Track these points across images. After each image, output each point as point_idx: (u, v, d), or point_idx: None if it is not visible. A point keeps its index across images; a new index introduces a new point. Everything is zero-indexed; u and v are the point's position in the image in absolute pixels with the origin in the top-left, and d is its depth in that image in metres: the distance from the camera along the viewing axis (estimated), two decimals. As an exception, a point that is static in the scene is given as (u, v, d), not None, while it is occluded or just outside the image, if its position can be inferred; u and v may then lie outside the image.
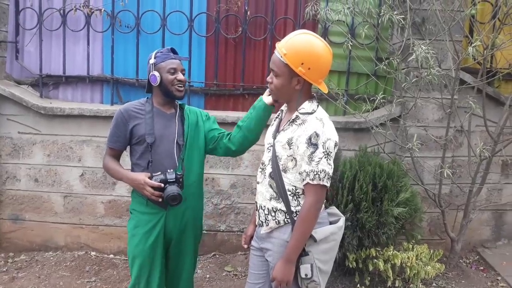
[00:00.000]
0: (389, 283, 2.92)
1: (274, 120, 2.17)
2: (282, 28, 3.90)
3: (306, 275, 1.94)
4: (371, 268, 2.96)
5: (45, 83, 3.95)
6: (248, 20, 3.82)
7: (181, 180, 2.22)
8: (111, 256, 3.84)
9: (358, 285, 3.10)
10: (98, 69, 3.97)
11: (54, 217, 3.87)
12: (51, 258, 3.75)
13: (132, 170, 2.35)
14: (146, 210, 2.31)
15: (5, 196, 3.86)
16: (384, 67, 3.21)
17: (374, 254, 2.93)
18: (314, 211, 1.90)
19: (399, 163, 3.37)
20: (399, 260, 2.82)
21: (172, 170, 2.23)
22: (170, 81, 2.25)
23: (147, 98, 2.37)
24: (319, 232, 1.95)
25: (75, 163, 3.82)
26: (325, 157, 1.86)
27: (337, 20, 3.73)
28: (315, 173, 1.86)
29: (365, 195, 2.90)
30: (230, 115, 3.76)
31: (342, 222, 2.08)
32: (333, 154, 1.91)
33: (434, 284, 3.34)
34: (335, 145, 1.91)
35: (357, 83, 3.99)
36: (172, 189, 2.17)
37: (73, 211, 3.86)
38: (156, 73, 2.24)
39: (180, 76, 2.27)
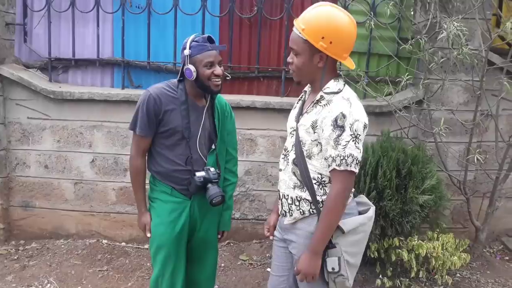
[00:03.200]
0: (413, 274, 2.79)
1: (297, 103, 2.02)
2: (300, 7, 3.71)
3: (333, 268, 1.81)
4: (393, 258, 2.82)
5: (54, 66, 3.82)
6: (263, -1, 3.65)
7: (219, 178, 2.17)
8: (123, 244, 3.75)
9: (380, 276, 2.97)
10: (109, 52, 3.84)
11: (64, 204, 3.78)
12: (62, 246, 3.67)
13: (157, 163, 2.21)
14: (171, 199, 2.21)
15: (15, 183, 3.77)
16: (410, 47, 3.02)
17: (398, 244, 2.79)
18: (341, 200, 1.76)
19: (423, 148, 3.20)
20: (424, 250, 2.68)
21: (213, 168, 2.18)
22: (207, 76, 2.07)
23: (178, 82, 2.19)
24: (347, 223, 1.81)
25: (86, 149, 3.71)
26: (353, 140, 1.71)
27: (357, -2, 3.56)
28: (341, 158, 1.71)
29: (389, 182, 2.75)
30: (244, 98, 3.61)
31: (372, 212, 1.94)
32: (362, 137, 1.75)
33: (458, 275, 3.21)
34: (365, 127, 1.76)
35: (378, 65, 3.80)
36: (216, 192, 2.14)
37: (84, 198, 3.77)
38: (192, 68, 2.06)
39: (218, 70, 2.09)
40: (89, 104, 3.63)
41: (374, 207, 1.98)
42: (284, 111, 3.62)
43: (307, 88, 1.99)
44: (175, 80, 2.21)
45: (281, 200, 1.97)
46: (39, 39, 3.85)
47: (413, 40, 3.14)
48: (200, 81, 2.08)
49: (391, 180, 2.76)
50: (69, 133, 3.70)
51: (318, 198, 1.83)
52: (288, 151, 1.92)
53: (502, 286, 3.13)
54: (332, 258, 1.81)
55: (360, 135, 1.74)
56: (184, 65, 2.09)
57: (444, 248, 2.78)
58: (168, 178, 2.20)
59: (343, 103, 1.76)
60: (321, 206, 1.83)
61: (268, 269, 3.31)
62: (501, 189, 3.45)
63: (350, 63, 1.84)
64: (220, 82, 2.12)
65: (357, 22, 3.65)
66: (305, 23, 1.75)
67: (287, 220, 1.93)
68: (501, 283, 3.17)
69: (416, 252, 2.71)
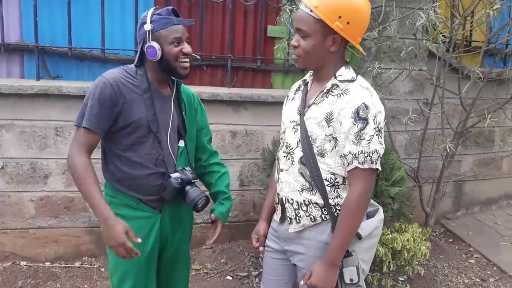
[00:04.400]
0: (385, 268, 2.70)
1: (295, 93, 1.75)
2: (243, -10, 3.43)
3: (351, 280, 1.59)
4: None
5: None
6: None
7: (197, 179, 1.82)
8: (48, 264, 3.15)
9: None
10: (16, 36, 3.15)
11: (-33, 224, 3.06)
12: (-33, 275, 2.97)
13: (116, 169, 1.78)
14: (137, 214, 1.79)
15: None
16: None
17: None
18: (364, 202, 1.55)
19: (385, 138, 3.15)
20: (400, 244, 2.60)
21: (189, 168, 1.82)
22: (174, 55, 1.70)
23: (136, 67, 1.77)
24: (364, 228, 1.61)
25: (-7, 154, 3.03)
26: (377, 135, 1.51)
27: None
28: (365, 154, 1.50)
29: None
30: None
31: (381, 213, 1.75)
32: (383, 131, 1.56)
33: (416, 262, 3.23)
34: (384, 119, 1.57)
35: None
36: (199, 194, 1.78)
37: (-7, 213, 3.09)
38: (156, 45, 1.67)
39: (187, 47, 1.73)
40: (-6, 98, 2.96)
41: (381, 207, 1.80)
42: (233, 103, 3.33)
43: (308, 76, 1.73)
44: (131, 66, 1.80)
45: (283, 206, 1.70)
46: None
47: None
48: (166, 62, 1.71)
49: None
50: (-31, 135, 2.98)
51: (331, 201, 1.60)
52: (292, 149, 1.65)
53: (456, 269, 3.22)
54: (349, 268, 1.59)
55: (382, 128, 1.54)
56: (143, 43, 1.70)
57: (413, 238, 2.74)
58: (133, 187, 1.78)
59: (364, 92, 1.54)
60: (334, 210, 1.59)
61: (229, 277, 3.01)
62: (449, 175, 3.56)
63: (361, 48, 1.62)
64: (188, 64, 1.77)
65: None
66: (319, 0, 1.49)
67: (292, 228, 1.67)
68: (455, 266, 3.26)
69: (390, 246, 2.62)
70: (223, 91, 3.28)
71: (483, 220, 4.01)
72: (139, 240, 1.65)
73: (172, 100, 1.85)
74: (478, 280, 3.07)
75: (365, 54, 1.73)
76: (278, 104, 3.34)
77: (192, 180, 1.81)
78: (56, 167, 3.11)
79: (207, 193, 1.92)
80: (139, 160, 1.76)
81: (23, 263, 3.12)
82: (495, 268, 3.22)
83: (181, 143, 1.90)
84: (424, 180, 3.50)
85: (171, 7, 1.74)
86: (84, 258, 3.20)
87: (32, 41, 3.10)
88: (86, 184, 1.65)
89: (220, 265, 3.15)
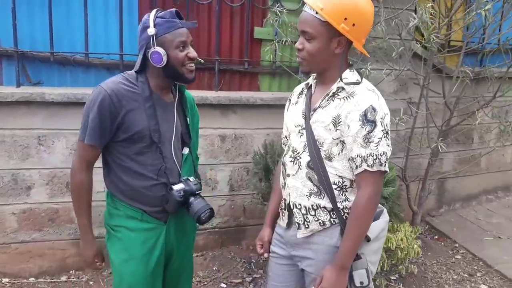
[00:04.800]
0: (379, 268, 2.73)
1: (298, 97, 1.73)
2: (229, -8, 3.39)
3: (361, 283, 1.60)
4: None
5: None
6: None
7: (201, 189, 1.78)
8: (32, 280, 3.01)
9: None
10: (-8, 40, 3.01)
11: None
12: None
13: (119, 180, 1.73)
14: (142, 226, 1.74)
15: None
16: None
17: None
18: (373, 205, 1.55)
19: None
20: (394, 243, 2.64)
21: (192, 178, 1.76)
22: (180, 61, 1.65)
23: (137, 74, 1.71)
24: (371, 230, 1.61)
25: (-29, 166, 2.87)
26: (385, 137, 1.52)
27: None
28: (374, 157, 1.50)
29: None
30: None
31: (386, 214, 1.77)
32: (389, 133, 1.56)
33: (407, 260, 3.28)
34: (390, 121, 1.57)
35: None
36: (204, 206, 1.73)
37: (-28, 228, 2.92)
38: (161, 50, 1.61)
39: (192, 52, 1.68)
40: (-29, 107, 2.80)
41: (385, 208, 1.82)
42: (221, 107, 3.29)
43: (311, 79, 1.72)
44: (132, 72, 1.74)
45: (291, 211, 1.68)
46: None
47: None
48: (171, 68, 1.66)
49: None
50: None
51: (339, 205, 1.59)
52: (298, 153, 1.64)
53: (444, 265, 3.30)
54: (359, 271, 1.60)
55: (389, 130, 1.55)
56: (146, 49, 1.65)
57: (405, 237, 2.78)
58: (137, 199, 1.73)
59: (371, 95, 1.54)
60: (342, 214, 1.59)
61: (222, 285, 2.97)
62: (432, 173, 3.64)
63: (364, 50, 1.62)
64: (194, 68, 1.72)
65: (290, 10, 3.42)
66: (324, 2, 1.48)
67: (301, 234, 1.66)
68: (443, 262, 3.33)
69: (385, 245, 2.65)
70: (211, 95, 3.23)
71: (465, 216, 4.13)
72: (100, 267, 1.88)
73: (175, 107, 1.80)
74: (466, 276, 3.15)
75: (368, 55, 1.73)
76: (266, 107, 3.35)
77: (196, 192, 1.76)
78: (39, 178, 2.97)
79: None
80: (142, 171, 1.71)
81: (5, 280, 2.96)
82: (481, 263, 3.32)
83: (185, 150, 1.85)
84: (411, 179, 3.56)
85: (174, 9, 1.69)
86: (71, 272, 3.08)
87: (11, 45, 2.94)
88: (79, 204, 1.75)
89: (212, 273, 3.10)
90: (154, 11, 1.66)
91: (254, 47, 3.49)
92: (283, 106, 3.27)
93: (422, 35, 3.24)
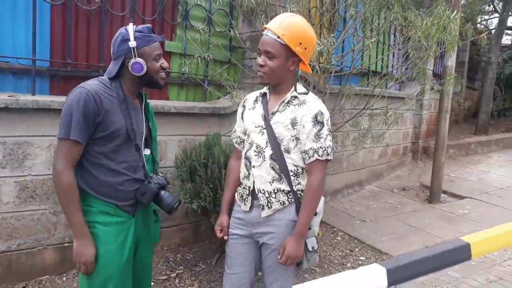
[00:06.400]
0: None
1: (254, 104, 2.10)
2: (141, 5, 3.55)
3: (313, 247, 2.03)
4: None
5: None
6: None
7: None
8: None
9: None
10: None
11: None
12: None
13: (93, 178, 1.84)
14: (114, 220, 1.87)
15: None
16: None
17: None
18: (322, 186, 1.99)
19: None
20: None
21: (161, 174, 2.02)
22: (156, 70, 1.88)
23: (110, 80, 1.86)
24: (319, 205, 2.07)
25: None
26: (329, 134, 1.98)
27: (196, 5, 3.70)
28: (323, 149, 1.94)
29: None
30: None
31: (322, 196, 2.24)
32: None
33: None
34: None
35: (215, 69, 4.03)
36: (174, 198, 1.97)
37: None
38: (142, 61, 1.82)
39: (165, 62, 1.93)
40: None
41: None
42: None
43: (265, 89, 2.10)
44: (105, 77, 1.90)
45: (255, 196, 2.02)
46: None
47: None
48: (149, 76, 1.88)
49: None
50: None
51: (294, 188, 2.00)
52: (262, 148, 2.00)
53: (330, 246, 3.96)
54: (310, 238, 2.02)
55: (330, 129, 2.02)
56: (124, 58, 1.84)
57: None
58: (110, 194, 1.86)
59: (318, 102, 2.00)
60: (297, 195, 2.01)
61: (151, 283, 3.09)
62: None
63: (308, 68, 2.08)
64: (164, 75, 1.97)
65: (196, 28, 3.74)
66: (284, 29, 1.88)
67: (265, 213, 2.01)
68: (328, 243, 4.00)
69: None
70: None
71: (335, 207, 4.96)
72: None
73: (142, 111, 2.00)
74: (348, 251, 3.87)
75: (311, 72, 2.18)
76: (179, 114, 3.58)
77: (166, 185, 1.98)
78: None
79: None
80: (116, 168, 1.86)
81: None
82: (356, 240, 4.09)
83: (147, 151, 2.04)
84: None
85: (149, 25, 1.91)
86: None
87: None
88: (70, 203, 1.78)
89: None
90: (131, 25, 1.86)
91: (164, 59, 3.69)
92: (194, 114, 3.64)
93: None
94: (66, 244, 3.11)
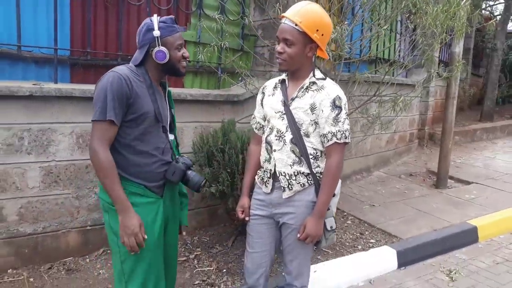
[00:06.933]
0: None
1: (273, 90, 2.18)
2: (157, -5, 3.63)
3: (331, 227, 2.14)
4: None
5: None
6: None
7: None
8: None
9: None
10: None
11: None
12: None
13: (123, 159, 1.93)
14: (144, 200, 1.97)
15: None
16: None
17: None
18: (341, 167, 2.09)
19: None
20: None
21: (185, 155, 2.13)
22: (178, 59, 1.98)
23: (136, 66, 1.96)
24: (337, 187, 2.17)
25: None
26: (347, 118, 2.06)
27: (210, -7, 3.77)
28: (341, 132, 2.03)
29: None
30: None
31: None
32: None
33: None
34: None
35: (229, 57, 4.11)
36: (200, 177, 2.07)
37: None
38: (165, 50, 1.92)
39: (186, 52, 2.03)
40: None
41: None
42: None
43: (284, 76, 2.18)
44: (131, 64, 1.99)
45: (276, 178, 2.12)
46: None
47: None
48: (171, 64, 1.98)
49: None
50: None
51: (314, 170, 2.10)
52: (282, 132, 2.09)
53: (341, 229, 4.07)
54: (329, 218, 2.13)
55: (347, 112, 2.11)
56: (149, 47, 1.93)
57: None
58: (140, 175, 1.96)
59: (336, 87, 2.08)
60: (317, 177, 2.10)
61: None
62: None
63: (325, 54, 2.16)
64: (186, 64, 2.07)
65: (210, 16, 3.82)
66: (302, 17, 1.96)
67: (286, 195, 2.11)
68: (339, 227, 4.11)
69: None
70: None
71: (345, 192, 5.06)
72: (145, 236, 1.90)
73: (166, 98, 2.10)
74: (359, 235, 3.98)
75: (328, 57, 2.24)
76: (194, 102, 3.67)
77: (192, 166, 2.09)
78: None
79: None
80: (146, 149, 1.95)
81: None
82: (366, 224, 4.20)
83: (171, 136, 2.13)
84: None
85: (172, 16, 2.01)
86: (8, 271, 2.96)
87: None
88: (110, 179, 1.86)
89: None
90: (155, 16, 1.95)
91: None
92: (208, 101, 3.72)
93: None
94: (88, 228, 3.23)
